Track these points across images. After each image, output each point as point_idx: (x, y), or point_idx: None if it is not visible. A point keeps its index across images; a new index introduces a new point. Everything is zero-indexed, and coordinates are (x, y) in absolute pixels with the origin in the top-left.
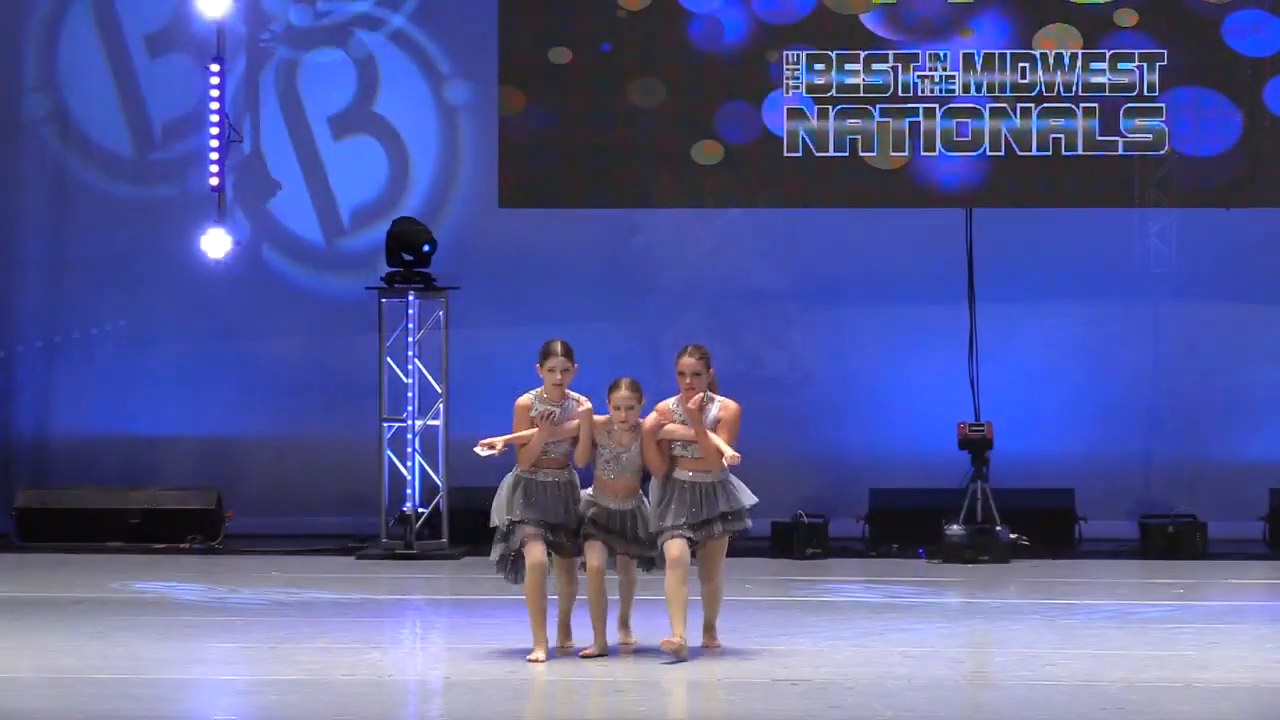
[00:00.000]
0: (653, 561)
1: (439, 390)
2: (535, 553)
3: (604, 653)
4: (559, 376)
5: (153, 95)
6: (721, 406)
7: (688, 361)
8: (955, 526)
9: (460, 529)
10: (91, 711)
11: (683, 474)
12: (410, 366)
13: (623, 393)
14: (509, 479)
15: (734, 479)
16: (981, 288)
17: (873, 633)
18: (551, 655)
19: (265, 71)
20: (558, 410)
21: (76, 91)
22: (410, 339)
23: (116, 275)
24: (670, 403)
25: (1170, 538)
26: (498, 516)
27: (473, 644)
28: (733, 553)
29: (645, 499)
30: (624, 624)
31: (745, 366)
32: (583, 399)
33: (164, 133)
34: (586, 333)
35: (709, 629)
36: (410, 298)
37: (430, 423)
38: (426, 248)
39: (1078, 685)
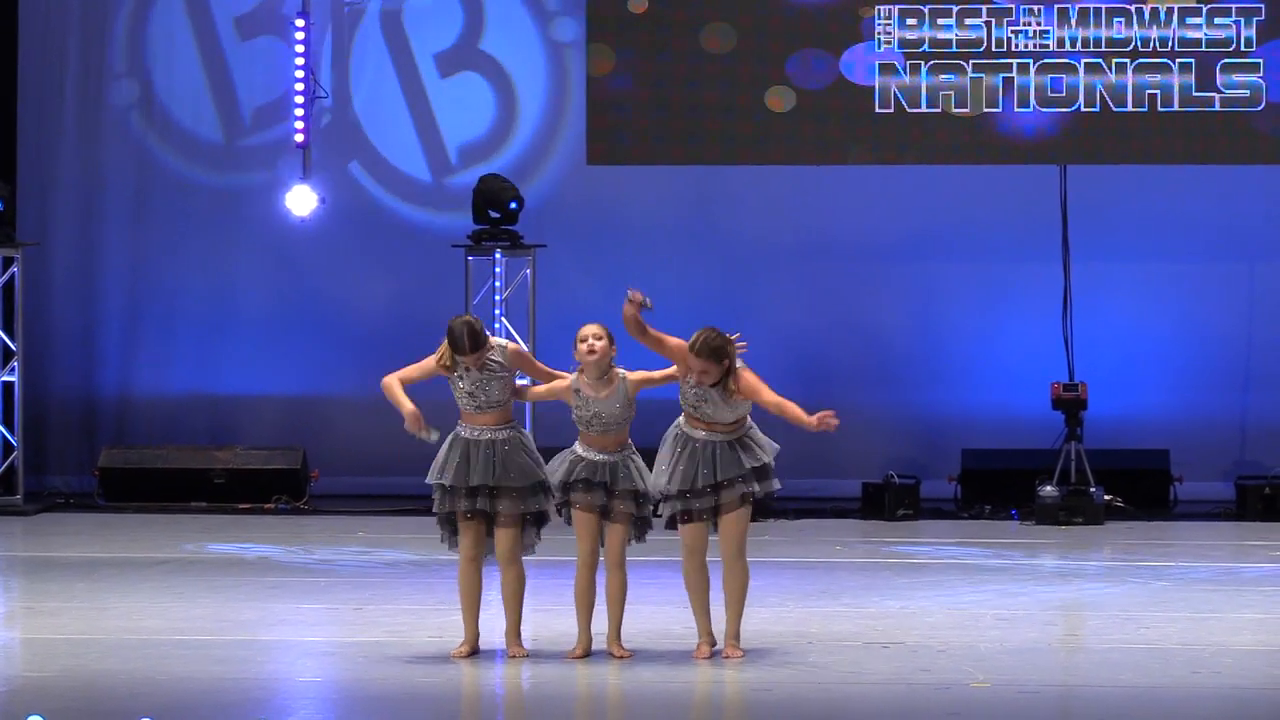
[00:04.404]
0: (646, 522)
1: (525, 350)
2: (467, 543)
3: (589, 652)
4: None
5: (242, 80)
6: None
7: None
8: (1048, 487)
9: None
10: (176, 673)
11: (694, 432)
12: (497, 325)
13: (590, 327)
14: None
15: (757, 434)
16: (1075, 246)
17: (964, 595)
18: (502, 657)
19: (354, 28)
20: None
21: (164, 76)
22: (497, 297)
23: (200, 232)
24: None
25: (1267, 499)
26: (431, 476)
27: (559, 605)
28: (823, 515)
29: (637, 453)
30: (615, 638)
31: (833, 325)
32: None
33: (254, 119)
34: (674, 290)
35: (730, 634)
36: (497, 255)
37: (518, 382)
38: (513, 205)
39: (1171, 649)
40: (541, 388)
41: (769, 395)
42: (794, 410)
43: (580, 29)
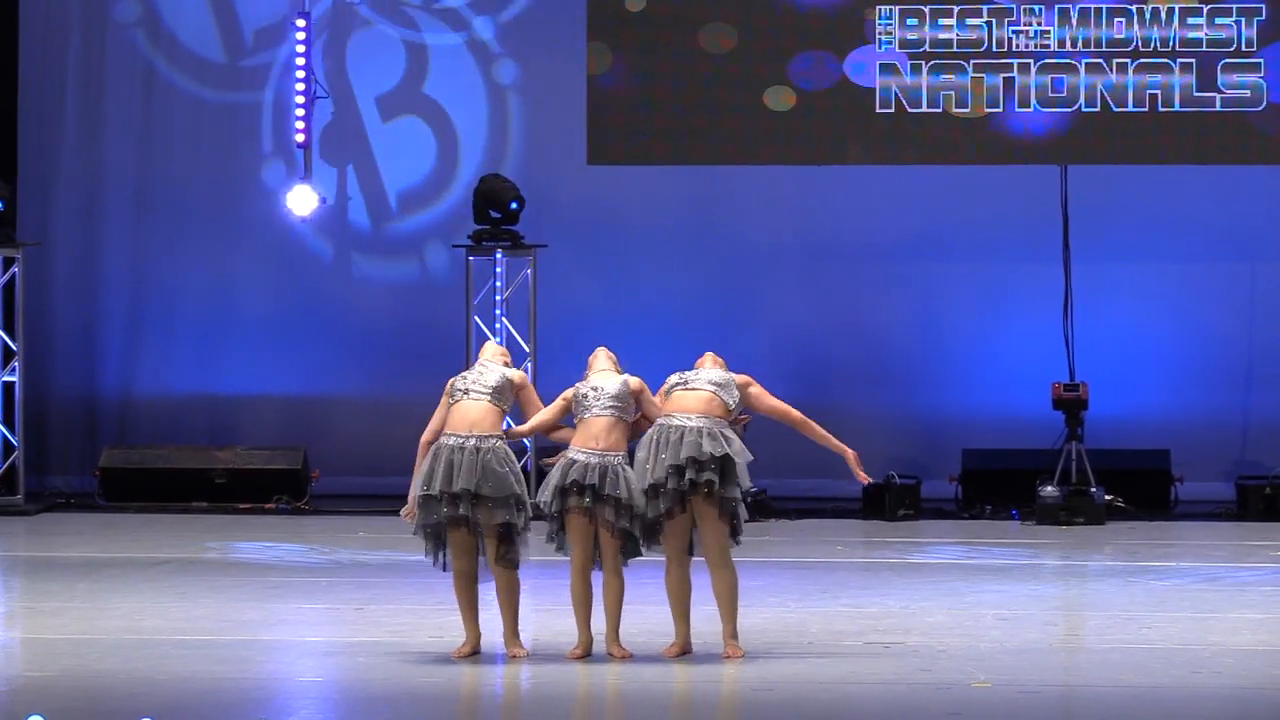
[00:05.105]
0: (629, 537)
1: (527, 349)
2: (456, 555)
3: (589, 652)
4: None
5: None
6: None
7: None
8: (1049, 488)
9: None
10: (176, 673)
11: (670, 419)
12: (498, 325)
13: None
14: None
15: (728, 430)
16: (1076, 246)
17: (965, 595)
18: (502, 659)
19: (348, 33)
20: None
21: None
22: (498, 297)
23: (200, 232)
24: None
25: (1267, 499)
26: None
27: (559, 605)
28: (824, 515)
29: (629, 467)
30: (614, 638)
31: (834, 325)
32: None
33: (255, 39)
34: (674, 290)
35: (728, 634)
36: (498, 255)
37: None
38: (514, 205)
39: (1172, 649)
40: (538, 415)
41: (777, 402)
42: (816, 429)
43: (519, 71)
